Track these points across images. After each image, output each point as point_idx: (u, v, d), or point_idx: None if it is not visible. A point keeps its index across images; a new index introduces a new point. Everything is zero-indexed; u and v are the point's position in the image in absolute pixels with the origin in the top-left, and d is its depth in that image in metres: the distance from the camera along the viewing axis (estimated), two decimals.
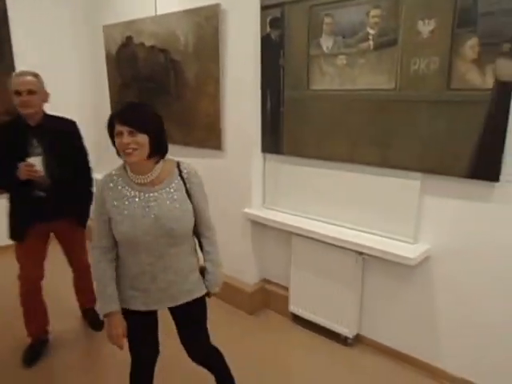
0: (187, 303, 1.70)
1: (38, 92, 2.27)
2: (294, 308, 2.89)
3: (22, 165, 2.23)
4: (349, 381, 2.37)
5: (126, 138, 1.48)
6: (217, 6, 2.77)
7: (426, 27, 1.97)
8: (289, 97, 2.61)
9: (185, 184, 1.64)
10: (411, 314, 2.42)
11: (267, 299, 3.12)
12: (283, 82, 2.61)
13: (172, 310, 1.75)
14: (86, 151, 2.62)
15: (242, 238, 3.02)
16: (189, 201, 1.63)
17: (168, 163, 1.66)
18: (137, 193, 1.58)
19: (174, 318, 1.79)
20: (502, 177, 1.92)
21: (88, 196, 2.48)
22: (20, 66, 4.01)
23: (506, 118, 1.83)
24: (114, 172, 1.64)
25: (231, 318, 2.99)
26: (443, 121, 2.00)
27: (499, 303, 2.07)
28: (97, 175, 3.28)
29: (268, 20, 2.59)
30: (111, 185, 1.59)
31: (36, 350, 2.56)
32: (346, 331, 2.63)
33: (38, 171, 2.24)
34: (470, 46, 1.85)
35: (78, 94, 4.39)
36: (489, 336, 2.14)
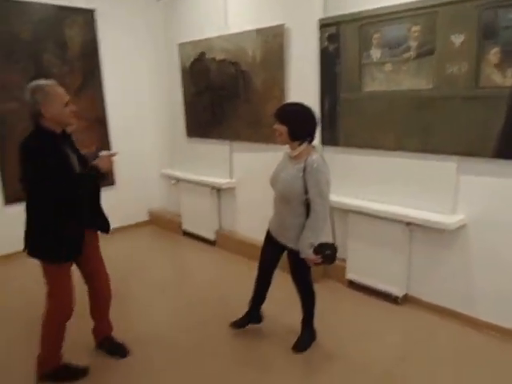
0: (286, 246, 2.46)
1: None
2: (350, 275, 3.45)
3: (105, 155, 2.24)
4: (400, 333, 2.86)
5: (276, 126, 2.32)
6: (282, 25, 3.38)
7: (457, 39, 2.49)
8: (344, 98, 3.18)
9: (304, 169, 2.29)
10: (452, 274, 2.92)
11: (326, 269, 3.68)
12: (339, 86, 3.18)
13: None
14: None
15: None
16: (301, 180, 2.29)
17: (307, 150, 2.33)
18: (288, 161, 2.41)
19: (273, 246, 2.57)
20: None
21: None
22: (107, 80, 4.82)
23: None
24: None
25: None
26: (473, 112, 2.51)
27: None
28: (172, 171, 4.08)
29: (326, 36, 3.17)
30: (285, 153, 2.49)
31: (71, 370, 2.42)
32: (396, 291, 3.15)
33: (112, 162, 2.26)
34: (493, 54, 2.35)
35: (154, 101, 5.16)
36: None
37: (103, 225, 2.43)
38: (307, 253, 2.34)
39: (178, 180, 4.90)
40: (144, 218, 5.48)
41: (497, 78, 2.38)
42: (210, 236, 4.57)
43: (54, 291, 2.24)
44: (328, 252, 2.38)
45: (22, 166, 2.12)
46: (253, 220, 4.08)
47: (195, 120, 4.58)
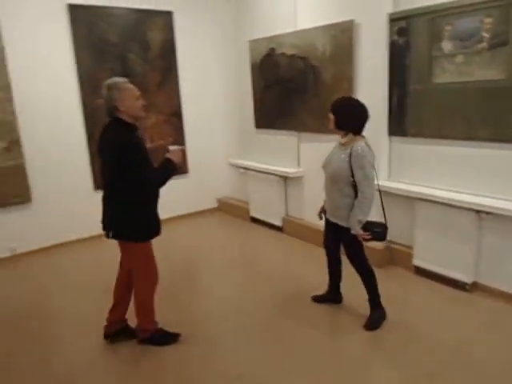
0: (337, 224, 2.76)
1: None
2: (417, 261, 3.55)
3: (177, 149, 2.49)
4: (469, 318, 2.94)
5: (329, 114, 2.66)
6: (351, 21, 3.52)
7: None
8: (413, 89, 3.27)
9: (350, 155, 2.55)
10: None
11: (393, 256, 3.82)
12: (408, 78, 3.28)
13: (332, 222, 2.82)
14: None
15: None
16: (347, 163, 2.58)
17: (354, 139, 2.62)
18: (338, 148, 2.74)
19: (331, 228, 2.87)
20: None
21: None
22: (183, 77, 5.20)
23: None
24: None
25: None
26: None
27: None
28: (240, 160, 4.31)
29: (396, 30, 3.27)
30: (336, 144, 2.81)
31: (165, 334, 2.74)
32: (465, 278, 3.23)
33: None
34: None
35: (224, 95, 5.49)
36: None
37: None
38: (356, 229, 2.61)
39: (247, 169, 5.20)
40: (213, 205, 5.86)
41: None
42: (278, 222, 4.84)
43: (145, 264, 2.58)
44: (377, 230, 2.64)
45: (114, 158, 2.32)
46: (319, 207, 4.28)
47: (263, 112, 4.84)
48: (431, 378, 2.36)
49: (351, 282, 3.06)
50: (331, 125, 2.69)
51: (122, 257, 2.69)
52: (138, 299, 2.64)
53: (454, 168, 3.21)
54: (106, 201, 2.54)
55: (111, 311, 2.75)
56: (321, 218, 3.02)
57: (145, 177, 2.35)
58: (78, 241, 4.73)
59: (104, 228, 2.55)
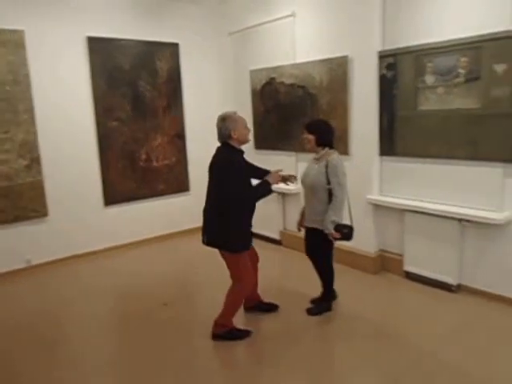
0: (312, 228, 3.20)
1: None
2: (407, 267, 3.99)
3: (276, 174, 2.99)
4: (454, 315, 3.35)
5: (305, 136, 3.15)
6: (345, 56, 4.05)
7: (499, 68, 3.06)
8: (401, 115, 3.78)
9: (326, 166, 3.04)
10: (501, 264, 3.42)
11: (385, 263, 4.25)
12: (396, 105, 3.80)
13: (309, 229, 3.26)
14: None
15: (365, 218, 4.20)
16: (325, 174, 3.05)
17: (328, 153, 3.11)
18: (312, 162, 3.19)
19: (309, 235, 3.30)
20: None
21: None
22: (187, 102, 5.64)
23: None
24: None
25: (360, 277, 4.14)
26: None
27: None
28: None
29: (384, 65, 3.80)
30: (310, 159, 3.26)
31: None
32: (451, 280, 3.67)
33: (280, 177, 3.05)
34: None
35: None
36: None
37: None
38: (330, 229, 3.06)
39: None
40: None
41: None
42: (275, 236, 5.22)
43: (242, 275, 2.93)
44: (346, 230, 3.10)
45: (224, 176, 2.78)
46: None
47: (263, 134, 5.29)
48: (418, 361, 2.76)
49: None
50: (310, 144, 3.16)
51: None
52: (229, 299, 3.00)
53: (438, 182, 3.70)
54: (205, 213, 2.98)
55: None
56: (299, 230, 3.51)
57: (244, 192, 2.79)
58: (91, 253, 5.01)
59: (203, 236, 2.97)
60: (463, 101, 3.33)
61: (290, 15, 4.63)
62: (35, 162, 4.52)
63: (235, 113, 2.94)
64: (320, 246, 3.27)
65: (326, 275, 3.37)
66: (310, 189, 3.20)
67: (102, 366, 2.88)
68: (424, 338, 3.01)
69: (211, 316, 3.11)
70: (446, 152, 3.53)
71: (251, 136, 3.10)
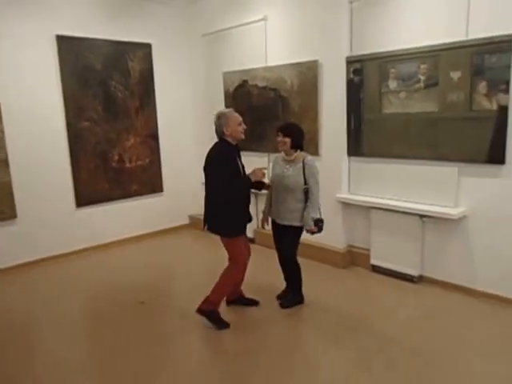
0: (287, 226, 3.32)
1: None
2: (374, 261, 4.23)
3: (258, 170, 3.09)
4: (416, 304, 3.61)
5: (280, 138, 3.25)
6: (315, 61, 4.25)
7: (455, 75, 3.33)
8: (367, 118, 4.01)
9: (303, 167, 3.19)
10: (458, 256, 3.70)
11: (353, 258, 4.47)
12: (363, 109, 4.02)
13: (280, 226, 3.36)
14: None
15: (335, 215, 4.41)
16: (302, 175, 3.19)
17: (301, 154, 3.25)
18: (284, 164, 3.27)
19: (280, 232, 3.40)
20: (506, 161, 3.22)
21: None
22: (159, 102, 5.69)
23: (506, 126, 3.16)
24: (280, 154, 3.35)
25: (330, 271, 4.35)
26: (469, 129, 3.34)
27: (510, 238, 3.35)
28: None
29: (352, 70, 4.02)
30: (277, 159, 3.36)
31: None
32: (413, 272, 3.93)
33: (265, 174, 3.17)
34: (482, 86, 3.19)
35: (197, 120, 6.03)
36: (506, 259, 3.40)
37: (250, 216, 3.38)
38: (310, 225, 3.28)
39: None
40: (185, 221, 6.28)
41: (485, 104, 3.22)
42: (250, 234, 5.35)
43: (237, 258, 3.18)
44: (320, 224, 3.32)
45: (213, 166, 3.01)
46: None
47: None
48: (383, 346, 2.98)
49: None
50: (286, 146, 3.27)
51: None
52: (223, 277, 3.22)
53: (401, 181, 3.95)
54: (204, 202, 3.19)
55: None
56: (264, 228, 3.68)
57: (231, 180, 2.99)
58: (62, 255, 4.97)
59: (204, 221, 3.22)
60: (423, 105, 3.58)
61: (262, 19, 4.79)
62: (3, 163, 4.45)
63: (231, 111, 3.12)
64: (294, 241, 3.44)
65: (298, 271, 3.54)
66: (286, 189, 3.30)
67: (77, 367, 2.94)
68: (389, 325, 3.24)
69: (185, 313, 3.20)
70: (408, 152, 3.79)
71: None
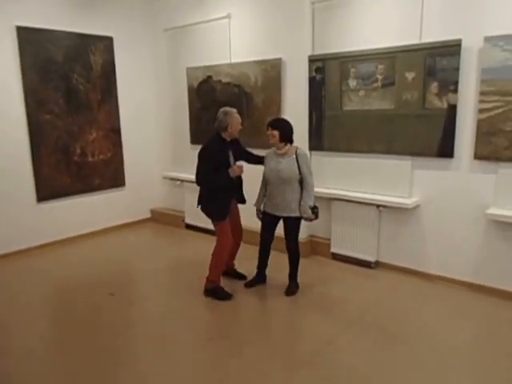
0: (288, 217, 3.48)
1: None
2: (334, 249, 4.49)
3: (236, 166, 3.45)
4: (373, 287, 3.89)
5: (270, 132, 3.39)
6: (279, 59, 4.42)
7: (409, 75, 3.62)
8: (328, 114, 4.24)
9: (296, 158, 3.35)
10: (411, 242, 4.02)
11: (314, 247, 4.71)
12: (324, 105, 4.25)
13: (282, 218, 3.53)
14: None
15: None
16: (296, 166, 3.35)
17: (292, 147, 3.44)
18: (277, 158, 3.43)
19: (283, 223, 3.58)
20: (455, 155, 3.56)
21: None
22: (121, 96, 5.65)
23: (454, 123, 3.49)
24: (272, 150, 3.52)
25: None
26: (422, 125, 3.65)
27: (459, 225, 3.70)
28: (176, 173, 4.91)
29: (314, 68, 4.23)
30: (269, 154, 3.53)
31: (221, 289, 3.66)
32: (370, 258, 4.22)
33: (242, 170, 3.50)
34: (434, 86, 3.50)
35: (160, 115, 6.05)
36: (455, 244, 3.76)
37: (242, 199, 3.77)
38: (309, 213, 3.47)
39: (182, 181, 5.77)
40: (146, 215, 6.29)
41: (437, 102, 3.53)
42: (211, 227, 5.46)
43: (220, 238, 3.59)
44: (316, 210, 3.52)
45: (199, 157, 3.45)
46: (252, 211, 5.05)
47: (199, 130, 5.50)
48: (347, 325, 3.22)
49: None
50: (275, 139, 3.44)
51: None
52: (213, 257, 3.61)
53: (360, 174, 4.22)
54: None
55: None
56: (260, 218, 3.79)
57: (205, 175, 3.42)
58: (23, 250, 4.86)
59: (198, 201, 3.65)
60: (380, 103, 3.86)
61: (226, 17, 4.89)
62: None
63: (236, 112, 3.53)
64: (297, 231, 3.65)
65: (298, 257, 3.72)
66: (283, 181, 3.44)
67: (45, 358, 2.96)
68: (351, 306, 3.49)
69: (150, 306, 3.28)
70: (366, 147, 4.06)
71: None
